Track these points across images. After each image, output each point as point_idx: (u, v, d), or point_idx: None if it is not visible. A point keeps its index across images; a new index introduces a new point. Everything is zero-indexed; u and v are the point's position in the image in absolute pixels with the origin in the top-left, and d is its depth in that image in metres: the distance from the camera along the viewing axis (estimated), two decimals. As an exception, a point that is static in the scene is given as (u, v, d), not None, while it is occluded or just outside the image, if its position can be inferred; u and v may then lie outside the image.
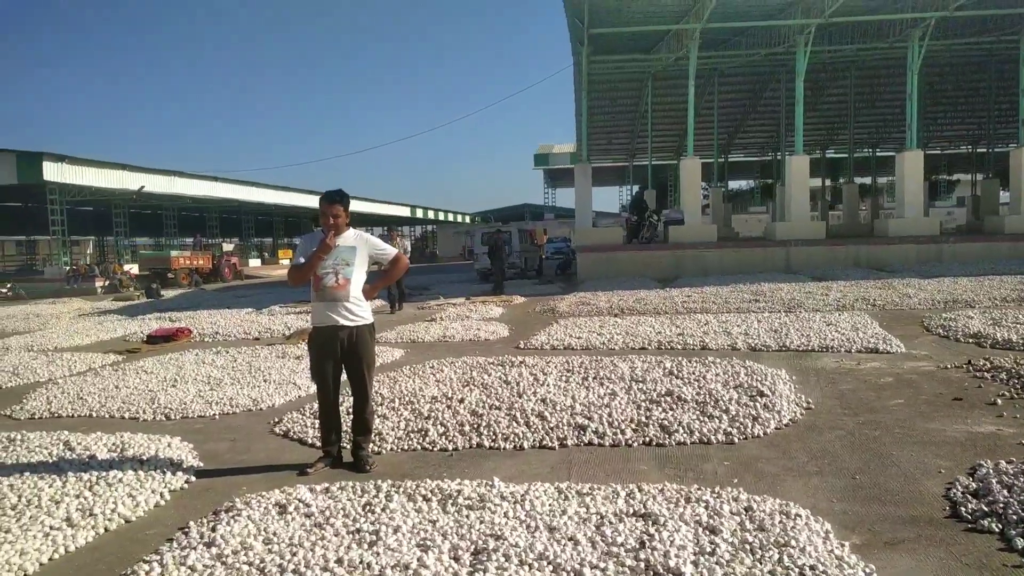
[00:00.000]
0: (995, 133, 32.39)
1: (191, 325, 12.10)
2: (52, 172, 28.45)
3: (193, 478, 4.28)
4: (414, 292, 17.93)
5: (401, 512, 3.41)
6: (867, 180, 40.55)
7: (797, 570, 2.70)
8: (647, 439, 4.58)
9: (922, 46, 20.06)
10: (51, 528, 3.49)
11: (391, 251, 4.57)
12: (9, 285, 28.38)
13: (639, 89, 28.56)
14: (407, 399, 5.73)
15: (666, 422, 4.80)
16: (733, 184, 53.20)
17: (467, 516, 3.33)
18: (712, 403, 5.19)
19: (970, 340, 7.56)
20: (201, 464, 4.55)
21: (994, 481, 3.55)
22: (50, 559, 3.27)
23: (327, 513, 3.44)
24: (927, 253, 18.32)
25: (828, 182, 39.55)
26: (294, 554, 2.99)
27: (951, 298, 10.85)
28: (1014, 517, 3.16)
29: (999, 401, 5.13)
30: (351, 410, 4.53)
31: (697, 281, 15.74)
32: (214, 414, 5.91)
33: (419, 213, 60.86)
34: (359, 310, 4.31)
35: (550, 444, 4.59)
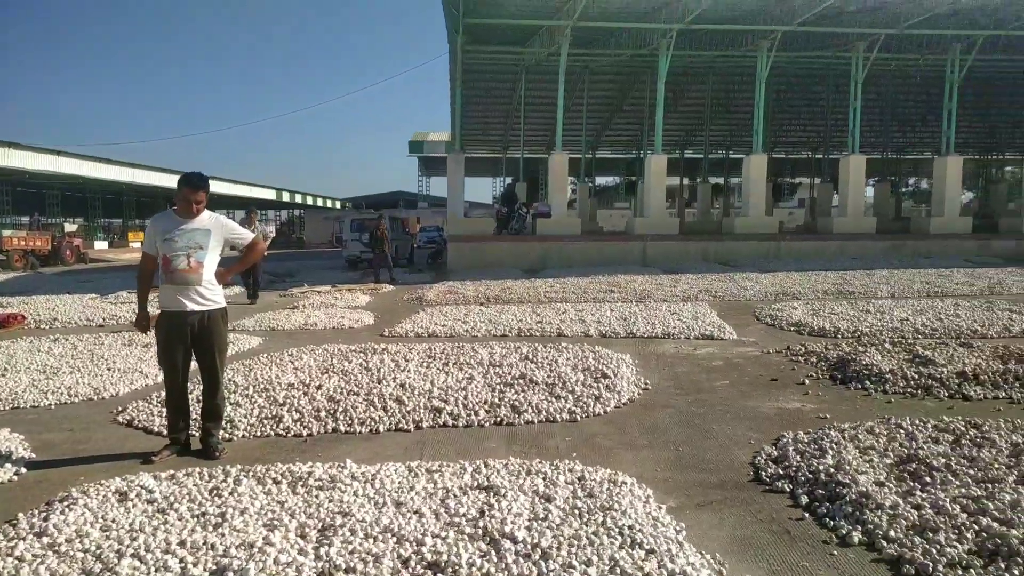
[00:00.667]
0: (831, 141, 35.69)
1: (25, 311, 11.15)
2: None
3: (24, 470, 4.07)
4: (278, 279, 17.40)
5: (249, 495, 3.44)
6: (721, 180, 43.46)
7: (617, 529, 3.02)
8: (498, 419, 4.84)
9: (770, 57, 21.80)
10: None
11: (248, 235, 4.52)
12: None
13: (514, 81, 29.04)
14: (262, 386, 5.67)
15: (517, 403, 5.08)
16: (601, 180, 55.26)
17: (316, 496, 3.42)
18: (560, 385, 5.54)
19: (792, 328, 8.45)
20: (33, 456, 4.32)
21: (791, 449, 4.09)
22: None
23: (171, 499, 3.41)
24: (767, 249, 20.03)
25: (686, 181, 42.02)
26: (134, 539, 2.96)
27: (781, 291, 11.99)
28: (802, 479, 3.67)
29: (807, 381, 5.83)
30: (201, 397, 4.45)
31: (561, 272, 16.37)
32: (50, 404, 5.57)
33: (286, 197, 58.59)
34: (211, 294, 4.24)
35: (406, 427, 4.73)
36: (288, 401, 5.22)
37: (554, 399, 5.20)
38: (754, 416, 4.94)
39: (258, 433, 4.69)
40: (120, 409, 5.34)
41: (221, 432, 4.48)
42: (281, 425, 4.77)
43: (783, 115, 35.30)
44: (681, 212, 36.76)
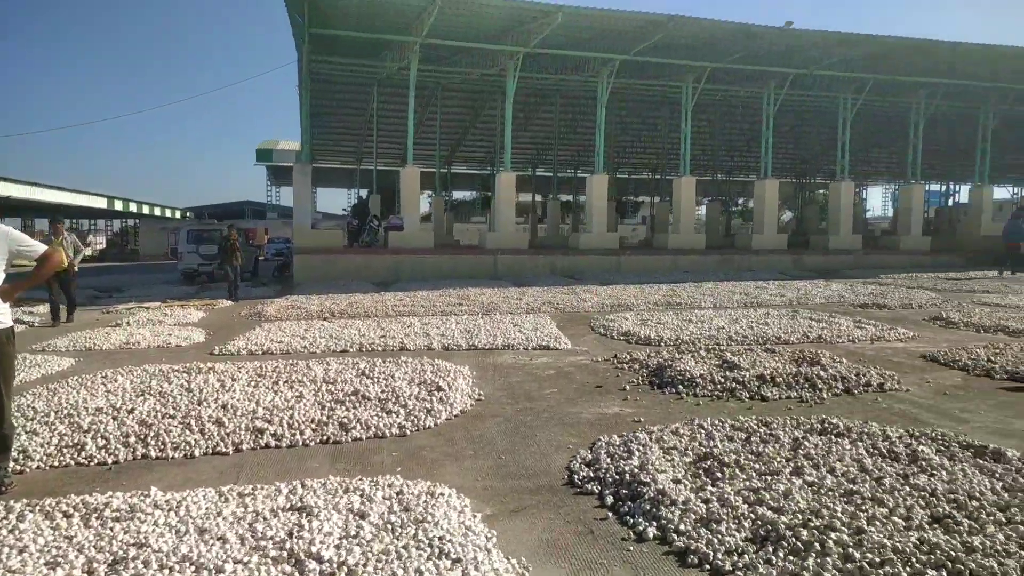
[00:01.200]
0: (667, 163, 38.23)
1: None
2: None
3: None
4: (102, 294, 16.04)
5: (33, 531, 3.17)
6: (571, 198, 45.23)
7: (427, 541, 3.07)
8: (325, 437, 4.76)
9: (609, 83, 23.05)
10: None
11: (39, 247, 4.17)
12: None
13: (367, 94, 28.70)
14: (66, 412, 5.22)
15: (346, 420, 5.02)
16: (458, 194, 55.76)
17: (111, 528, 3.21)
18: (394, 399, 5.54)
19: (622, 337, 8.96)
20: None
21: (603, 452, 4.35)
22: None
23: (-62, 541, 3.07)
24: (609, 264, 21.10)
25: (539, 198, 43.37)
26: None
27: (617, 302, 12.68)
28: (610, 480, 3.92)
29: (628, 387, 6.22)
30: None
31: (413, 285, 16.33)
32: None
33: (118, 205, 54.07)
34: (-3, 314, 3.87)
35: (224, 450, 4.54)
36: (94, 427, 4.84)
37: (385, 414, 5.19)
38: (576, 422, 5.20)
39: (56, 463, 4.32)
40: None
41: (11, 464, 4.07)
42: (83, 453, 4.42)
43: (625, 137, 37.38)
44: (534, 228, 37.88)
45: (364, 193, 36.69)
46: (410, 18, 20.20)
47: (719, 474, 3.92)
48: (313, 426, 4.93)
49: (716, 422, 4.90)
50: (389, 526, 3.23)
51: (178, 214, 61.66)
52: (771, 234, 25.03)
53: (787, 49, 22.89)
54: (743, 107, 31.24)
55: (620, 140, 36.71)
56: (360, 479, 3.87)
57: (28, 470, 4.22)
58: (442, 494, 3.65)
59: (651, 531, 3.30)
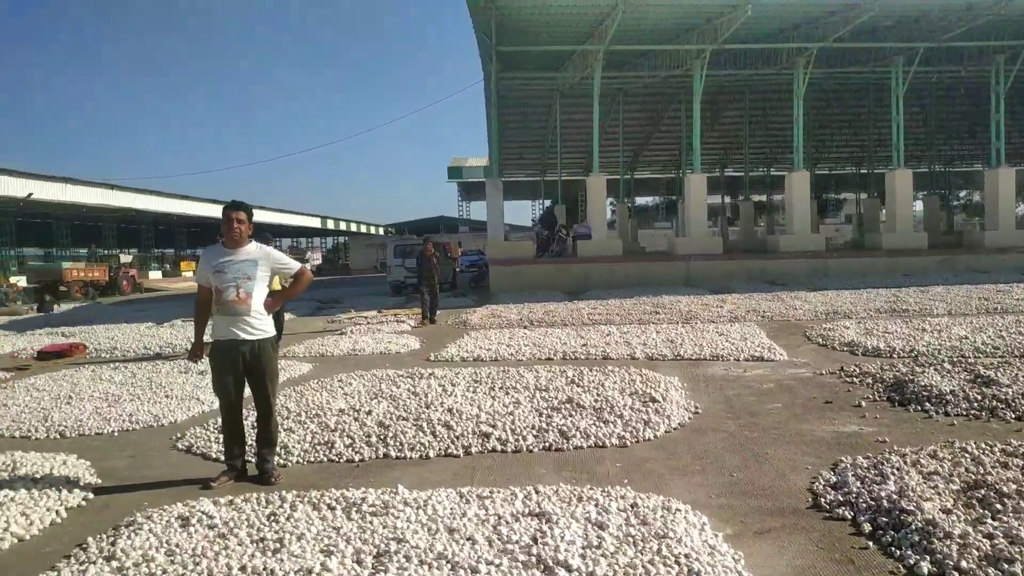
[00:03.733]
0: (875, 156, 35.00)
1: (86, 340, 11.57)
2: (-75, 177, 26.42)
3: (91, 495, 4.20)
4: (325, 305, 17.71)
5: (305, 520, 3.50)
6: (764, 198, 42.93)
7: (673, 558, 2.98)
8: (547, 444, 4.83)
9: (806, 73, 21.57)
10: (-65, 552, 3.39)
11: (294, 265, 4.63)
12: None
13: (548, 106, 29.29)
14: (314, 412, 5.77)
15: (565, 428, 5.07)
16: (640, 200, 55.12)
17: (371, 522, 3.46)
18: (608, 409, 5.51)
19: (844, 348, 8.26)
20: (99, 481, 4.46)
21: (850, 475, 3.98)
22: (-65, 583, 3.18)
23: (231, 524, 3.49)
24: (814, 267, 19.65)
25: (728, 199, 41.62)
26: (197, 564, 3.04)
27: (832, 309, 11.74)
28: (863, 505, 3.58)
29: (863, 403, 5.69)
30: (255, 423, 4.56)
31: (604, 294, 16.30)
32: (112, 431, 5.76)
33: (331, 224, 59.83)
34: (260, 323, 4.35)
35: (455, 452, 4.76)
36: (340, 427, 5.30)
37: (602, 424, 5.17)
38: (809, 440, 4.84)
39: (312, 459, 4.77)
40: (179, 436, 5.49)
41: (276, 458, 4.56)
42: (334, 451, 4.85)
43: (823, 131, 34.81)
44: (724, 231, 36.35)
45: (548, 204, 37.33)
46: (592, 27, 20.32)
47: (998, 506, 3.43)
48: (534, 432, 5.03)
49: (982, 446, 4.32)
50: (630, 539, 3.17)
51: (381, 231, 66.83)
52: (1008, 230, 21.95)
53: (1017, 19, 20.01)
54: (964, 89, 27.82)
55: (818, 134, 34.25)
56: (591, 488, 3.86)
57: (289, 464, 4.70)
58: (678, 509, 3.53)
59: (925, 567, 2.95)
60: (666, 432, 5.08)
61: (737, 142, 34.62)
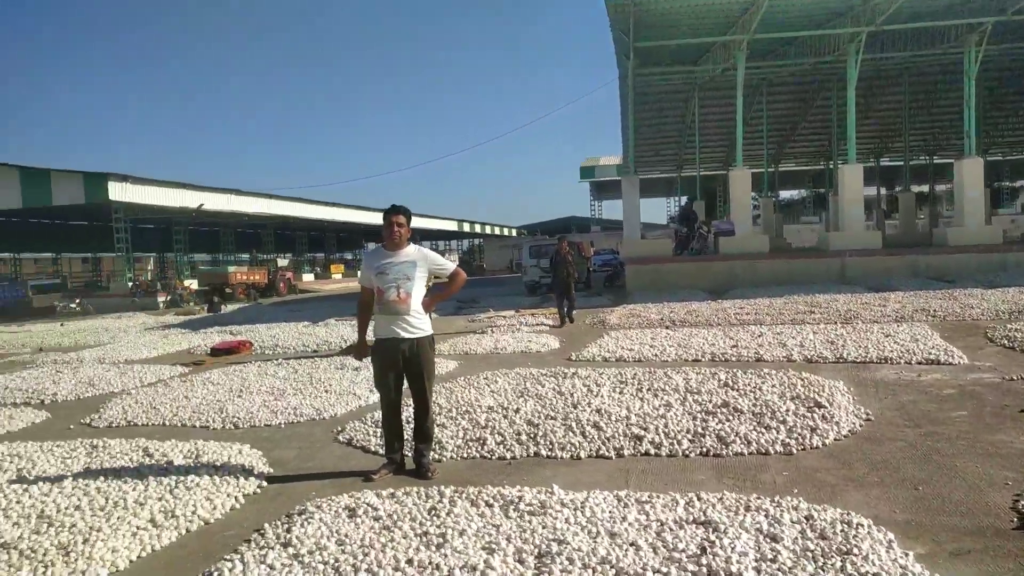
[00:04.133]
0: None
1: (251, 338, 12.51)
2: (117, 192, 29.71)
3: (264, 483, 4.49)
4: (465, 305, 18.16)
5: (465, 516, 3.53)
6: (925, 188, 39.45)
7: (860, 577, 2.72)
8: (704, 449, 4.61)
9: (979, 51, 19.54)
10: (138, 528, 3.72)
11: (450, 266, 4.72)
12: (78, 300, 29.67)
13: (686, 100, 28.47)
14: (464, 409, 5.87)
15: (723, 433, 4.82)
16: (784, 194, 52.30)
17: (529, 521, 3.43)
18: (769, 414, 5.19)
19: (1038, 351, 7.34)
20: (271, 470, 4.76)
21: (1065, 494, 3.49)
22: (139, 556, 3.49)
23: (394, 517, 3.58)
24: (989, 262, 17.70)
25: (884, 191, 38.56)
26: (366, 555, 3.14)
27: (1016, 308, 10.51)
28: (1086, 530, 3.11)
29: (1069, 413, 5.00)
30: (412, 419, 4.68)
31: (749, 292, 15.56)
32: (280, 423, 6.15)
33: (466, 227, 61.51)
34: (419, 323, 4.46)
35: (606, 454, 4.66)
36: (490, 424, 5.35)
37: (764, 429, 4.87)
38: (1006, 453, 4.30)
39: (464, 455, 4.84)
40: (340, 429, 5.76)
41: (432, 453, 4.66)
42: (485, 447, 4.89)
43: (996, 113, 31.43)
44: (880, 224, 33.74)
45: (685, 200, 36.25)
46: (736, 16, 19.48)
47: None
48: (690, 436, 4.82)
49: None
50: (808, 554, 2.94)
51: (514, 232, 67.85)
52: None
53: None
54: None
55: (991, 116, 30.97)
56: (759, 498, 3.63)
57: (444, 459, 4.79)
58: (860, 524, 3.23)
59: None
60: (836, 440, 4.70)
61: (894, 130, 32.05)
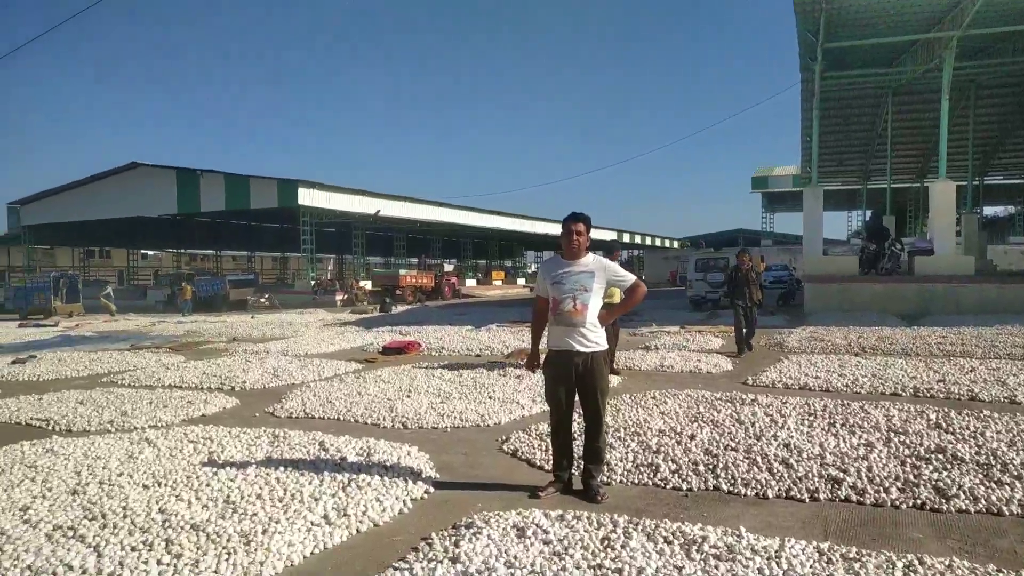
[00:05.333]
0: None
1: (419, 339, 12.92)
2: (305, 197, 32.34)
3: (432, 489, 4.43)
4: (624, 316, 17.72)
5: (642, 553, 3.22)
6: None
7: None
8: (918, 501, 3.96)
9: None
10: (312, 524, 3.77)
11: (630, 277, 4.44)
12: (267, 296, 32.55)
13: (876, 106, 26.16)
14: (632, 430, 5.54)
15: (942, 484, 4.13)
16: (989, 210, 46.70)
17: (716, 567, 3.06)
18: (999, 466, 4.40)
19: None
20: (437, 475, 4.71)
21: None
22: (311, 552, 3.51)
23: (565, 543, 3.34)
24: None
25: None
26: (537, 583, 2.92)
27: None
28: None
29: None
30: (582, 436, 4.43)
31: (951, 320, 13.84)
32: (446, 427, 6.15)
33: (626, 237, 60.62)
34: (594, 336, 4.22)
35: (798, 495, 4.14)
36: (662, 449, 4.99)
37: (994, 485, 4.12)
38: None
39: (635, 480, 4.52)
40: (504, 438, 5.65)
41: (601, 475, 4.39)
42: (658, 475, 4.53)
43: None
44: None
45: (870, 214, 33.31)
46: (944, 11, 17.54)
47: None
48: (899, 484, 4.18)
49: None
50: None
51: (675, 243, 66.00)
52: None
53: None
54: None
55: None
56: (1000, 571, 3.01)
57: (613, 483, 4.50)
58: None
59: None
60: (1092, 507, 3.87)
61: None
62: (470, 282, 49.09)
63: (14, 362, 11.37)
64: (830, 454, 4.73)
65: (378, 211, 35.40)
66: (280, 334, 16.04)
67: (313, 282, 34.81)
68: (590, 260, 4.28)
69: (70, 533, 3.70)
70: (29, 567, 3.29)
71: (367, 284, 36.07)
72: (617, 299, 6.56)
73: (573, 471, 4.42)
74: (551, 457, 4.59)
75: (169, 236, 50.61)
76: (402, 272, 36.75)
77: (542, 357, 4.48)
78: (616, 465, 4.72)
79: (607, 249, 8.91)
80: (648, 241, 65.49)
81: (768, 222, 56.50)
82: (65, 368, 10.61)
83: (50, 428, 6.56)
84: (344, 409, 6.95)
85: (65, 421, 6.74)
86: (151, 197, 35.78)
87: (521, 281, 54.85)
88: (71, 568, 3.26)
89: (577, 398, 4.33)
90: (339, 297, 31.68)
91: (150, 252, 65.65)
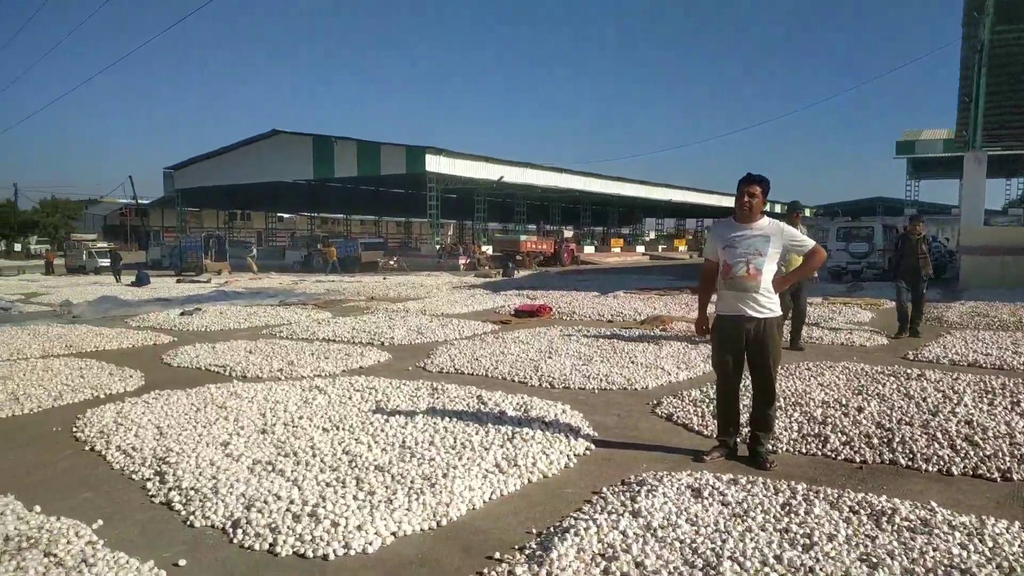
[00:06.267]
0: None
1: (548, 303, 13.06)
2: (432, 164, 33.18)
3: (592, 446, 4.52)
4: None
5: (828, 520, 3.15)
6: None
7: None
8: None
9: None
10: (486, 471, 3.95)
11: (808, 242, 4.27)
12: (396, 259, 33.87)
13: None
14: (793, 400, 5.39)
15: None
16: None
17: (913, 539, 2.95)
18: None
19: None
20: (595, 434, 4.78)
21: None
22: (489, 498, 3.69)
23: (745, 506, 3.33)
24: None
25: None
26: (724, 541, 2.93)
27: None
28: None
29: None
30: (751, 403, 4.36)
31: None
32: (593, 388, 6.22)
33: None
34: (768, 302, 4.11)
35: (987, 474, 3.90)
36: (828, 420, 4.82)
37: None
38: None
39: (803, 450, 4.41)
40: (655, 402, 5.65)
41: (768, 443, 4.31)
42: (828, 446, 4.40)
43: None
44: None
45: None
46: None
47: None
48: (1109, 470, 3.84)
49: None
50: None
51: (808, 212, 62.70)
52: None
53: None
54: None
55: None
56: None
57: (779, 451, 4.40)
58: None
59: None
60: None
61: None
62: (588, 249, 48.87)
63: (182, 314, 12.49)
64: (1020, 433, 4.41)
65: (501, 177, 35.80)
66: (414, 295, 16.69)
67: (438, 246, 35.84)
68: (766, 223, 4.15)
69: (269, 468, 4.07)
70: (243, 495, 3.65)
71: (488, 249, 36.71)
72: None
73: (738, 438, 4.37)
74: (715, 422, 4.56)
75: (304, 200, 53.56)
76: (523, 238, 37.11)
77: (710, 322, 4.42)
78: (781, 434, 4.62)
79: (790, 209, 8.57)
80: (777, 209, 62.53)
81: (913, 190, 52.31)
82: (227, 320, 11.55)
83: (227, 374, 7.19)
84: (490, 366, 7.17)
85: (240, 368, 7.36)
86: (289, 163, 37.88)
87: (640, 249, 53.97)
88: (279, 498, 3.58)
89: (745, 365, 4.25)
90: (462, 261, 32.48)
91: (286, 215, 69.79)
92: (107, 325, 11.34)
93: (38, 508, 3.58)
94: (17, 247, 60.53)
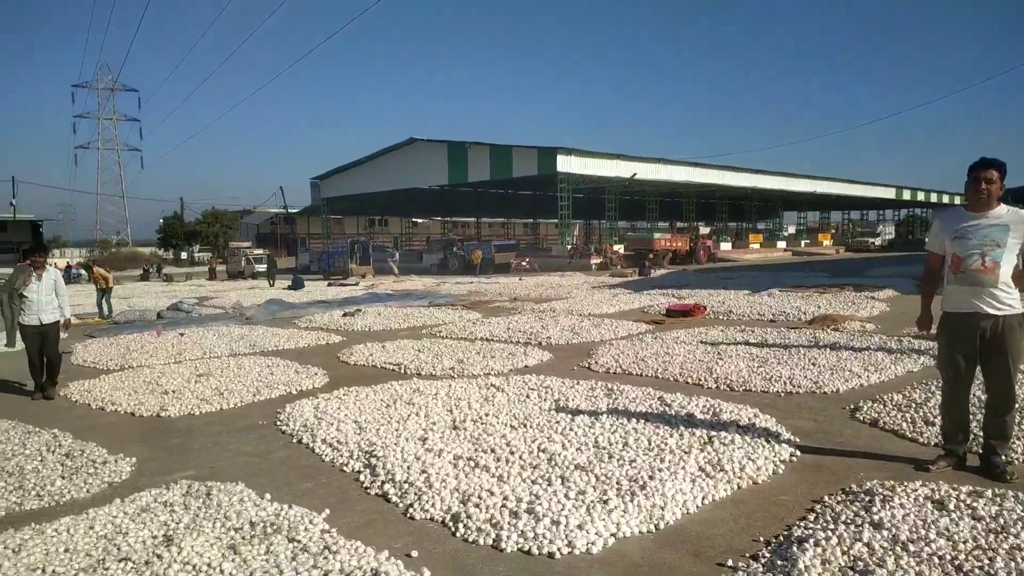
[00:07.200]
0: None
1: (700, 302, 12.68)
2: (563, 164, 33.25)
3: (797, 452, 4.29)
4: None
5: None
6: None
7: None
8: None
9: None
10: (693, 476, 3.84)
11: None
12: (528, 260, 34.21)
13: None
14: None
15: None
16: None
17: None
18: None
19: None
20: (796, 439, 4.55)
21: None
22: (702, 502, 3.57)
23: (1001, 521, 3.03)
24: None
25: None
26: (991, 559, 2.68)
27: None
28: None
29: None
30: (984, 408, 3.98)
31: None
32: (778, 391, 5.94)
33: (906, 195, 53.92)
34: (1008, 298, 3.73)
35: None
36: None
37: None
38: None
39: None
40: (853, 407, 5.31)
41: (1007, 453, 3.92)
42: None
43: None
44: None
45: None
46: None
47: None
48: None
49: None
50: None
51: (958, 200, 57.47)
52: None
53: None
54: None
55: None
56: None
57: (1015, 462, 3.98)
58: None
59: None
60: None
61: None
62: (724, 246, 47.18)
63: (345, 315, 13.20)
64: None
65: (634, 174, 35.31)
66: (555, 295, 16.76)
67: (569, 246, 35.87)
68: (1004, 212, 3.77)
69: (471, 463, 4.17)
70: (456, 489, 3.75)
71: (620, 248, 36.30)
72: None
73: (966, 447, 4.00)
74: (930, 428, 4.21)
75: (436, 204, 55.36)
76: (657, 236, 36.39)
77: (935, 319, 4.08)
78: (1015, 443, 4.19)
79: None
80: (933, 198, 57.64)
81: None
82: (387, 321, 12.08)
83: (402, 371, 7.49)
84: (659, 367, 7.03)
85: (414, 366, 7.66)
86: (425, 169, 39.27)
87: (781, 244, 51.38)
88: (492, 493, 3.66)
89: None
90: (594, 261, 32.30)
91: (420, 220, 72.47)
92: (279, 326, 12.18)
93: (268, 496, 3.84)
94: (183, 255, 66.86)
